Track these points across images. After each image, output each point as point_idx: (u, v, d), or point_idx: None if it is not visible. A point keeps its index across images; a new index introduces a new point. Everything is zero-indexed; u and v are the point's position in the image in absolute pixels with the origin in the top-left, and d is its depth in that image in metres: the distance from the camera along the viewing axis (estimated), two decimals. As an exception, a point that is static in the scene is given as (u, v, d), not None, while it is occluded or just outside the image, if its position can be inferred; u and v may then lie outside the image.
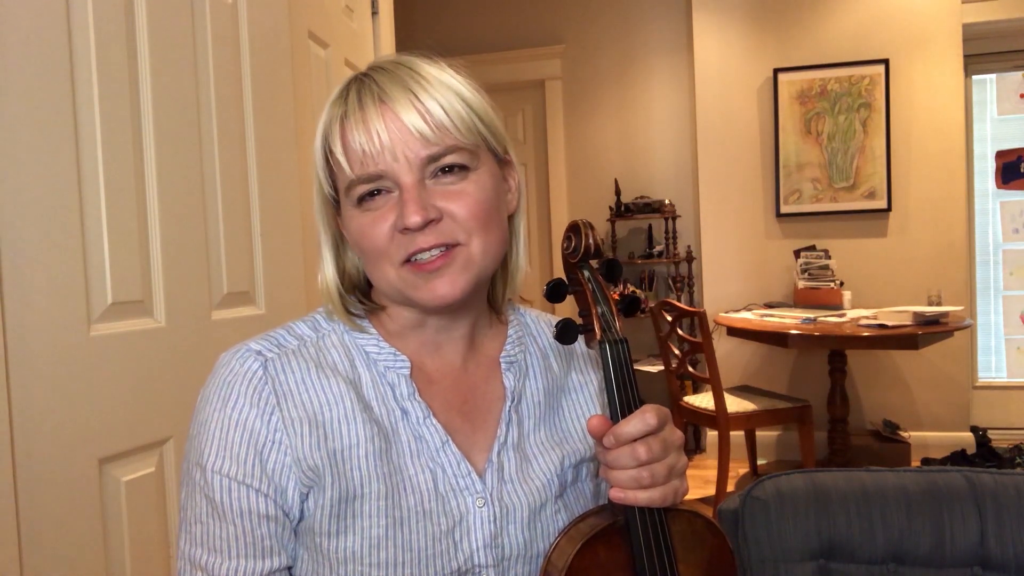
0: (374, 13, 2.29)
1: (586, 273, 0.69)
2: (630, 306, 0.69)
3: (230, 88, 1.39)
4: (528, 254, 0.78)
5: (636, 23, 4.27)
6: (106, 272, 1.10)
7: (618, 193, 4.15)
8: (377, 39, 2.30)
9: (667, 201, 4.08)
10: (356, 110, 0.65)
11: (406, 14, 3.17)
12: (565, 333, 0.67)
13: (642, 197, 4.16)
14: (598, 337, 0.67)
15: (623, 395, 0.65)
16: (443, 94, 0.65)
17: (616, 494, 0.64)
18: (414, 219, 0.63)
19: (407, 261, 0.66)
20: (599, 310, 0.68)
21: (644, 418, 0.63)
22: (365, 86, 0.66)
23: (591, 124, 4.39)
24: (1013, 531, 1.02)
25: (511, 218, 0.75)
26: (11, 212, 0.96)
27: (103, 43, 1.10)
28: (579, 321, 0.69)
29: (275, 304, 1.47)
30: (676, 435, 0.67)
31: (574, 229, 0.69)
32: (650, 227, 4.19)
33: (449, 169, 0.66)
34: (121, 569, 1.12)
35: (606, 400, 0.66)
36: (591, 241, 0.68)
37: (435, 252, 0.65)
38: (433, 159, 0.65)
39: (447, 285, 0.65)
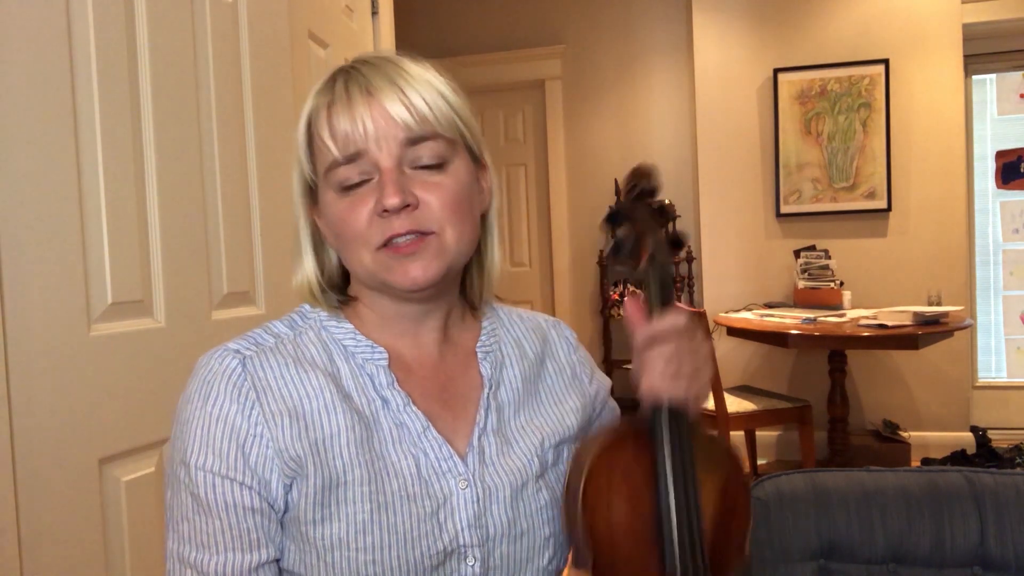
0: (374, 13, 2.29)
1: (642, 209, 0.75)
2: (675, 243, 0.75)
3: (230, 88, 1.39)
4: (504, 251, 0.82)
5: (636, 23, 4.27)
6: (106, 272, 1.10)
7: (618, 193, 4.14)
8: (377, 39, 2.30)
9: (667, 201, 4.07)
10: (343, 98, 0.68)
11: (406, 14, 3.17)
12: (618, 250, 0.73)
13: (642, 197, 4.16)
14: (649, 253, 0.72)
15: (662, 303, 0.71)
16: (426, 90, 0.69)
17: (645, 384, 0.69)
18: (392, 200, 0.66)
19: (384, 245, 0.68)
20: (650, 240, 0.73)
21: (676, 318, 0.69)
22: (352, 78, 0.69)
23: (591, 124, 4.39)
24: (1013, 531, 1.02)
25: (484, 216, 0.78)
26: (11, 212, 0.96)
27: (103, 43, 1.10)
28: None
29: (275, 304, 1.47)
30: (706, 346, 0.71)
31: (636, 171, 0.76)
32: (650, 227, 4.19)
33: (428, 164, 0.69)
34: (121, 569, 1.12)
35: (647, 306, 0.71)
36: (652, 184, 0.75)
37: (409, 237, 0.68)
38: (412, 142, 0.68)
39: (420, 269, 0.68)
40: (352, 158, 0.68)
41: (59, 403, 1.02)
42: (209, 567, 0.65)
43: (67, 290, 1.04)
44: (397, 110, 0.67)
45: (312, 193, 0.74)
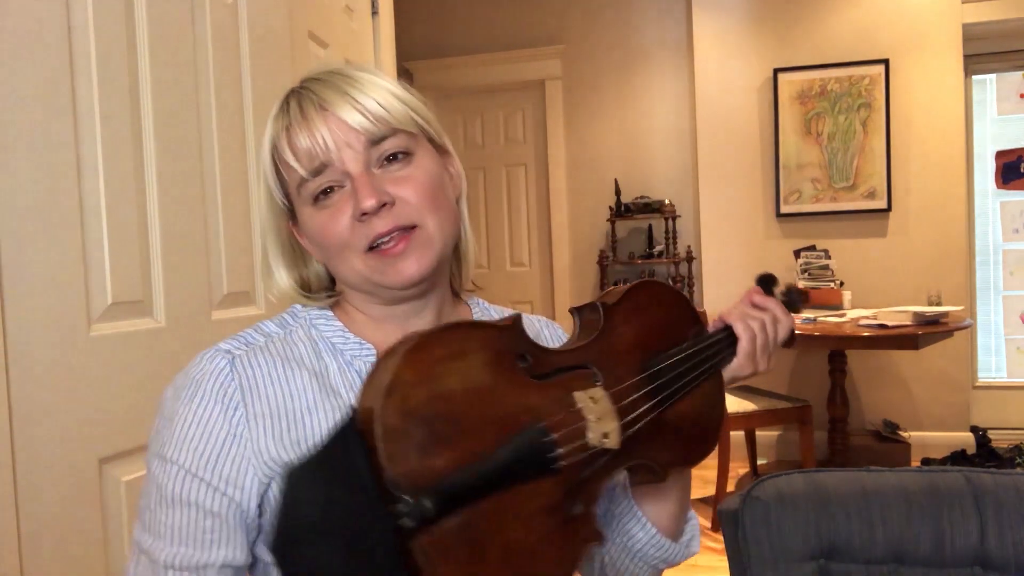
0: (374, 13, 2.29)
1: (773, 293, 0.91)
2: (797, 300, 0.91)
3: (230, 88, 1.39)
4: (477, 239, 0.84)
5: (636, 23, 4.27)
6: (106, 272, 1.10)
7: (618, 193, 4.14)
8: (377, 39, 2.30)
9: (667, 201, 4.08)
10: (300, 119, 0.70)
11: (406, 14, 3.18)
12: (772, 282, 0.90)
13: (642, 197, 4.16)
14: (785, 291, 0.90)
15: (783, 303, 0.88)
16: (377, 92, 0.71)
17: (727, 314, 0.81)
18: (369, 202, 0.67)
19: (371, 249, 0.70)
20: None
21: (789, 315, 0.85)
22: (304, 97, 0.71)
23: (591, 124, 4.39)
24: (1013, 531, 1.02)
25: (456, 201, 0.79)
26: (11, 212, 0.96)
27: (103, 43, 1.10)
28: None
29: (275, 304, 1.47)
30: (776, 355, 0.84)
31: (785, 290, 0.92)
32: (650, 227, 4.19)
33: (393, 157, 0.70)
34: (121, 569, 1.12)
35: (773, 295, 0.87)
36: (776, 287, 0.92)
37: (395, 235, 0.69)
38: (374, 141, 0.69)
39: (413, 265, 0.70)
40: (318, 171, 0.69)
41: (59, 403, 1.02)
42: (160, 556, 0.66)
43: (67, 290, 1.04)
44: (353, 118, 0.69)
45: (291, 214, 0.76)
